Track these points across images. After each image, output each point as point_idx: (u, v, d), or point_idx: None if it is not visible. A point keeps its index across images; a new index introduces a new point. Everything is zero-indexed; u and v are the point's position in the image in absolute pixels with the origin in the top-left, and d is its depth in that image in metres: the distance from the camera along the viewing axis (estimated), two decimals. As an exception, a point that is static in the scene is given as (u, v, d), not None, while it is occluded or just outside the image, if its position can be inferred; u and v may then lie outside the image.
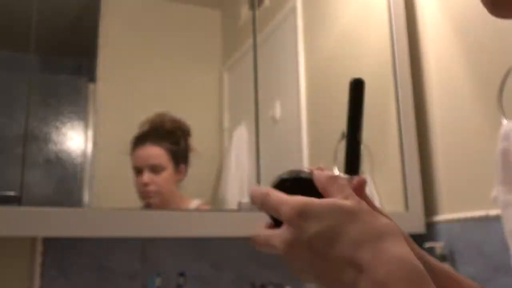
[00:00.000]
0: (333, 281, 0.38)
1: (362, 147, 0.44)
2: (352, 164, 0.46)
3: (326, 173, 0.43)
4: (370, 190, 1.38)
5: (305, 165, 1.40)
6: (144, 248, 1.19)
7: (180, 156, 1.25)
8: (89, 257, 1.13)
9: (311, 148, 1.41)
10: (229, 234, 1.18)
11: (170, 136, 1.25)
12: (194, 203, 1.26)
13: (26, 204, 1.04)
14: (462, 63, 1.35)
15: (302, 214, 0.39)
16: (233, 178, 1.34)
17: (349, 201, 0.40)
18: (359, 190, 0.45)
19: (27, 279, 1.07)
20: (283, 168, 1.50)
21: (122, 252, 1.16)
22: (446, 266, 0.44)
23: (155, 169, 1.22)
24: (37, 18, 1.16)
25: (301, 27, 1.49)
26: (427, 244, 1.29)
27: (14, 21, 1.22)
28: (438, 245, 1.27)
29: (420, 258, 0.41)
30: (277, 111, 1.41)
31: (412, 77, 1.48)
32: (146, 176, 1.20)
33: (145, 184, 1.20)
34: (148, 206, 1.21)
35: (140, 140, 1.22)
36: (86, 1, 1.36)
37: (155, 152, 1.23)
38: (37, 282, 1.07)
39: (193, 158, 1.30)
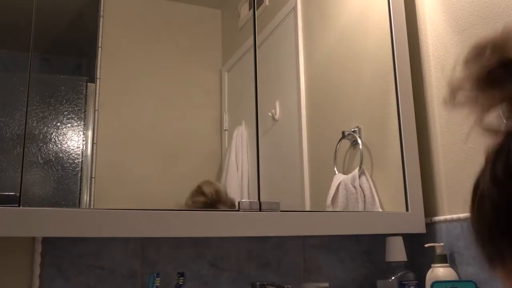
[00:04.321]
0: None
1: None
2: None
3: None
4: (370, 190, 1.38)
5: (305, 165, 1.40)
6: (144, 248, 1.19)
7: None
8: (89, 257, 1.13)
9: (311, 148, 1.41)
10: (229, 234, 1.18)
11: None
12: None
13: (25, 204, 1.03)
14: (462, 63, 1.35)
15: None
16: (233, 178, 1.34)
17: None
18: None
19: (27, 280, 1.07)
20: (283, 168, 1.50)
21: (122, 252, 1.16)
22: None
23: None
24: (37, 18, 1.16)
25: (301, 27, 1.49)
26: (427, 244, 1.29)
27: (14, 21, 1.22)
28: (438, 245, 1.27)
29: None
30: (277, 111, 1.41)
31: (412, 77, 1.48)
32: None
33: None
34: None
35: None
36: (86, 1, 1.36)
37: None
38: (36, 282, 1.06)
39: (193, 158, 1.31)
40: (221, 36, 1.46)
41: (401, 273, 1.28)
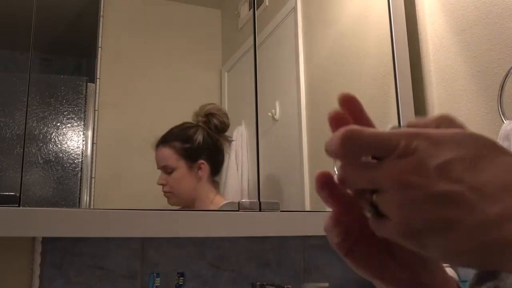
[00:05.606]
0: (472, 220, 0.28)
1: None
2: None
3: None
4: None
5: (305, 165, 1.40)
6: (144, 248, 1.19)
7: (196, 152, 1.24)
8: (89, 257, 1.13)
9: (311, 148, 1.41)
10: (229, 234, 1.18)
11: (181, 133, 1.24)
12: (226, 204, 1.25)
13: (25, 204, 1.03)
14: (462, 63, 1.35)
15: (432, 140, 0.30)
16: (233, 178, 1.34)
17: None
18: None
19: (27, 280, 1.07)
20: (283, 168, 1.50)
21: (122, 252, 1.16)
22: None
23: (166, 170, 1.22)
24: (37, 18, 1.16)
25: (301, 27, 1.49)
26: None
27: (14, 21, 1.22)
28: (438, 245, 1.27)
29: None
30: (277, 111, 1.41)
31: (412, 77, 1.48)
32: (160, 178, 1.22)
33: (161, 185, 1.21)
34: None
35: (157, 143, 1.23)
36: (86, 1, 1.36)
37: (163, 153, 1.23)
38: (36, 282, 1.06)
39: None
40: (221, 36, 1.46)
41: (401, 273, 1.27)
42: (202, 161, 1.24)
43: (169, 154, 1.22)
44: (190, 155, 1.23)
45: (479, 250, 0.28)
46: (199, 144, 1.24)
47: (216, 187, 1.27)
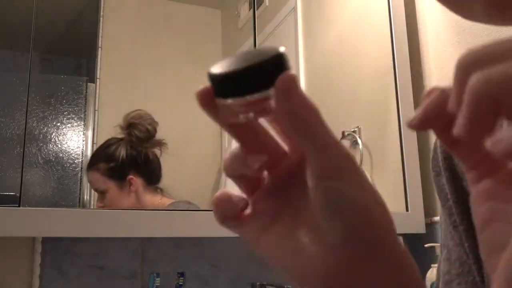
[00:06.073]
0: None
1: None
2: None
3: None
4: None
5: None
6: (144, 248, 1.19)
7: (121, 169, 1.19)
8: (89, 257, 1.13)
9: (311, 148, 1.41)
10: (229, 234, 1.17)
11: (104, 153, 1.21)
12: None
13: (25, 204, 1.04)
14: (462, 63, 1.35)
15: None
16: (233, 178, 1.33)
17: None
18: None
19: (27, 280, 1.07)
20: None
21: (122, 252, 1.16)
22: None
23: (100, 192, 1.19)
24: (37, 18, 1.16)
25: (301, 27, 1.49)
26: (427, 244, 1.28)
27: (14, 21, 1.22)
28: (438, 245, 1.27)
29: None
30: (277, 111, 1.41)
31: (412, 77, 1.48)
32: (97, 201, 1.19)
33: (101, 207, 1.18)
34: None
35: (86, 167, 1.20)
36: (86, 1, 1.36)
37: (92, 178, 1.19)
38: (36, 282, 1.06)
39: (193, 158, 1.30)
40: (221, 36, 1.46)
41: (401, 273, 1.27)
42: (131, 176, 1.19)
43: (96, 177, 1.18)
44: (117, 174, 1.19)
45: None
46: (123, 160, 1.19)
47: (160, 192, 1.23)
